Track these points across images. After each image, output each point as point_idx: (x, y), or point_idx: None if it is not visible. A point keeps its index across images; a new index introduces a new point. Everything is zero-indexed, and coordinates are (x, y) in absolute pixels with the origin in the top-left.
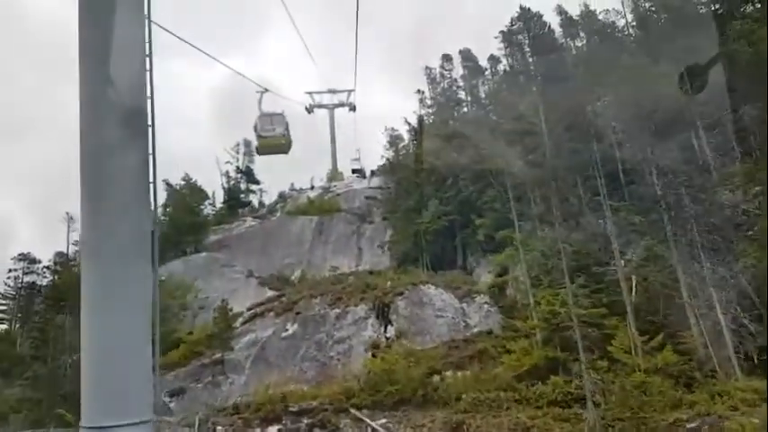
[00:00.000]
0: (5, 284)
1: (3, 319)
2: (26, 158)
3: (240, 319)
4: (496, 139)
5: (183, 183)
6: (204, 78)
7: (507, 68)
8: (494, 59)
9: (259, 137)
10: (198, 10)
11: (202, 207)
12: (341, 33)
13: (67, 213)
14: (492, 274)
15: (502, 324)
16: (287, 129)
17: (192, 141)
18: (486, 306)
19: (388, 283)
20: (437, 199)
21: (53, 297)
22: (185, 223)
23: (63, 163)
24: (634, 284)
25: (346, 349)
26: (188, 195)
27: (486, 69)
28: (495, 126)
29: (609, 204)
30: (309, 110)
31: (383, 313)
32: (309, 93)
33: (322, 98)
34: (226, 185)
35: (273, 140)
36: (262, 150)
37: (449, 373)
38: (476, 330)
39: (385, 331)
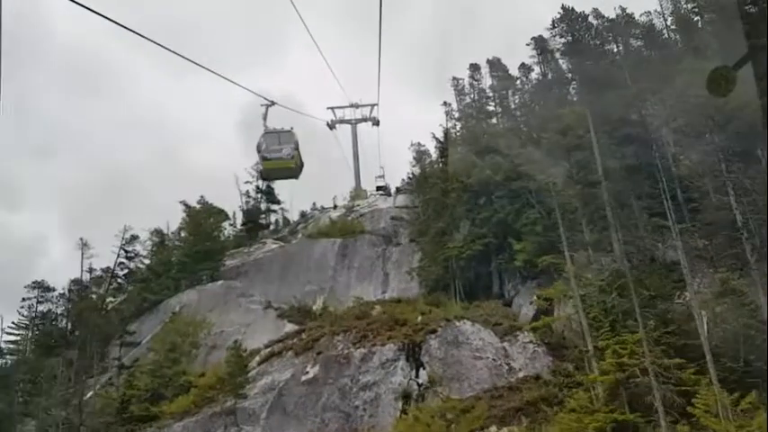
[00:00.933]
0: (19, 313)
1: (16, 351)
2: (56, 177)
3: (256, 359)
4: (535, 154)
5: (199, 206)
6: (227, 96)
7: (540, 77)
8: (525, 68)
9: (263, 159)
10: (223, 26)
11: (222, 228)
12: (364, 47)
13: (81, 239)
14: (533, 306)
15: (551, 367)
16: (297, 148)
17: (214, 160)
18: (531, 345)
19: (419, 318)
20: (469, 220)
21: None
22: (201, 250)
23: (89, 183)
24: (705, 323)
25: (373, 398)
26: (204, 219)
27: (517, 78)
28: (530, 138)
29: (677, 228)
30: (331, 126)
31: (414, 354)
32: (331, 108)
33: (344, 113)
34: (244, 207)
35: (281, 163)
36: (267, 174)
37: (493, 430)
38: (521, 375)
39: (416, 376)
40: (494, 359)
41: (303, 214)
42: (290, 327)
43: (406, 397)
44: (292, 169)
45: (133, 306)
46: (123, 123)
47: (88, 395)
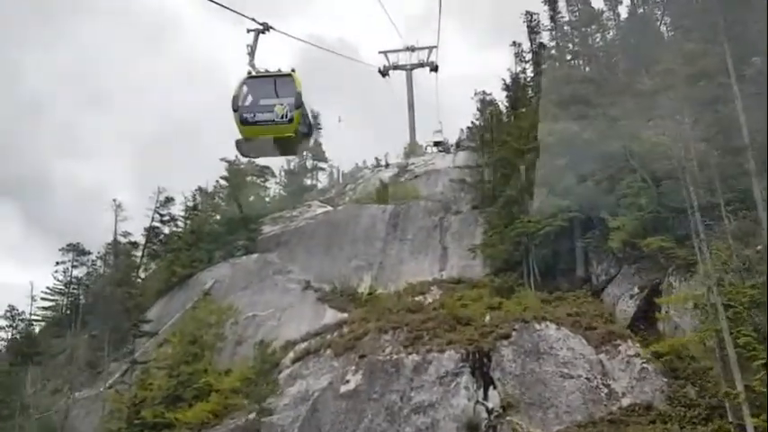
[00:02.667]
0: (54, 278)
1: (49, 318)
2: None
3: (290, 356)
4: (640, 106)
5: (238, 164)
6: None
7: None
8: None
9: (242, 121)
10: None
11: (267, 188)
12: None
13: (114, 200)
14: (635, 300)
15: (666, 392)
16: (301, 106)
17: None
18: (637, 361)
19: (487, 317)
20: (547, 187)
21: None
22: (235, 218)
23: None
24: None
25: (429, 425)
26: (242, 180)
27: (602, 12)
28: (629, 86)
29: None
30: (384, 72)
31: (481, 366)
32: (384, 52)
33: (398, 58)
34: (286, 166)
35: (272, 129)
36: (246, 148)
37: None
38: (625, 402)
39: (485, 397)
40: (588, 378)
41: (352, 173)
42: (330, 314)
43: (472, 429)
44: (290, 141)
45: (161, 281)
46: (181, 77)
47: (101, 389)
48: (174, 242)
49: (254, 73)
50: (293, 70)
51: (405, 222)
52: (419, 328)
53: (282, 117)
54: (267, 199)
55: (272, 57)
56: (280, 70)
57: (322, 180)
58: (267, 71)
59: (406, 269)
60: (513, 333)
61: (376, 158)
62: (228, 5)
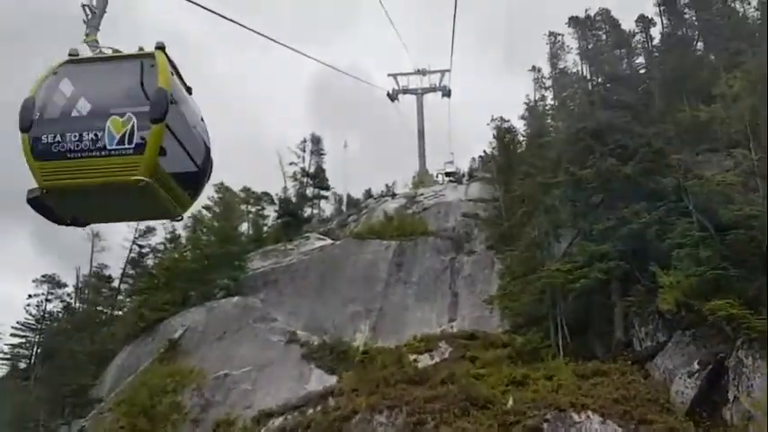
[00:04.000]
0: (26, 311)
1: (21, 356)
2: None
3: None
4: (691, 137)
5: (217, 194)
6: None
7: (664, 32)
8: (645, 21)
9: (37, 151)
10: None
11: (265, 216)
12: (436, 17)
13: (92, 230)
14: (695, 381)
15: None
16: (163, 120)
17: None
18: None
19: (510, 401)
20: (576, 228)
21: None
22: (218, 252)
23: None
24: None
25: None
26: (222, 215)
27: (634, 34)
28: (673, 117)
29: None
30: (393, 96)
31: None
32: (393, 75)
33: (409, 82)
34: (282, 194)
35: (95, 165)
36: (49, 203)
37: None
38: None
39: None
40: None
41: (356, 203)
42: (317, 375)
43: None
44: (145, 192)
45: (128, 326)
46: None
47: None
48: (146, 280)
49: (85, 54)
50: (160, 48)
51: (410, 262)
52: (422, 409)
53: (123, 142)
54: (266, 228)
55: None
56: (142, 49)
57: (326, 209)
58: (115, 51)
59: (410, 318)
60: (545, 426)
61: (386, 185)
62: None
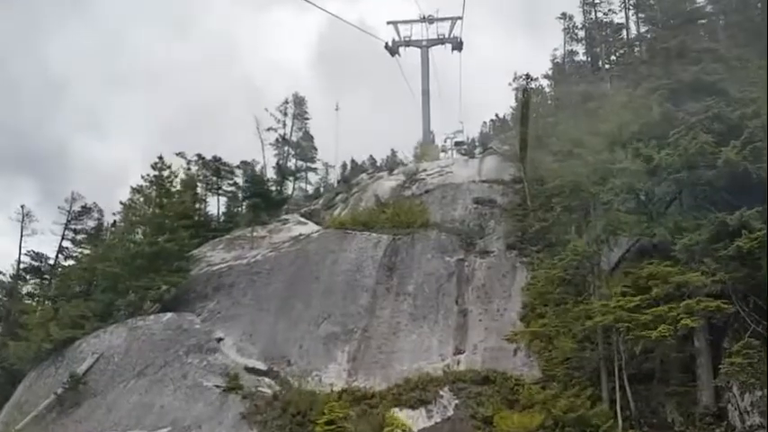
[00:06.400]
0: None
1: None
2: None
3: None
4: None
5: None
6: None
7: None
8: None
9: None
10: None
11: (235, 192)
12: None
13: (23, 207)
14: None
15: None
16: None
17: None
18: None
19: None
20: (644, 235)
21: None
22: (152, 250)
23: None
24: None
25: None
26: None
27: None
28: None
29: None
30: (393, 49)
31: None
32: (393, 23)
33: (412, 32)
34: (253, 168)
35: None
36: None
37: None
38: None
39: None
40: None
41: (346, 179)
42: None
43: None
44: None
45: (33, 345)
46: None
47: None
48: (58, 284)
49: None
50: None
51: (406, 265)
52: None
53: None
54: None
55: None
56: None
57: (314, 182)
58: None
59: (402, 344)
60: None
61: (392, 149)
62: None
